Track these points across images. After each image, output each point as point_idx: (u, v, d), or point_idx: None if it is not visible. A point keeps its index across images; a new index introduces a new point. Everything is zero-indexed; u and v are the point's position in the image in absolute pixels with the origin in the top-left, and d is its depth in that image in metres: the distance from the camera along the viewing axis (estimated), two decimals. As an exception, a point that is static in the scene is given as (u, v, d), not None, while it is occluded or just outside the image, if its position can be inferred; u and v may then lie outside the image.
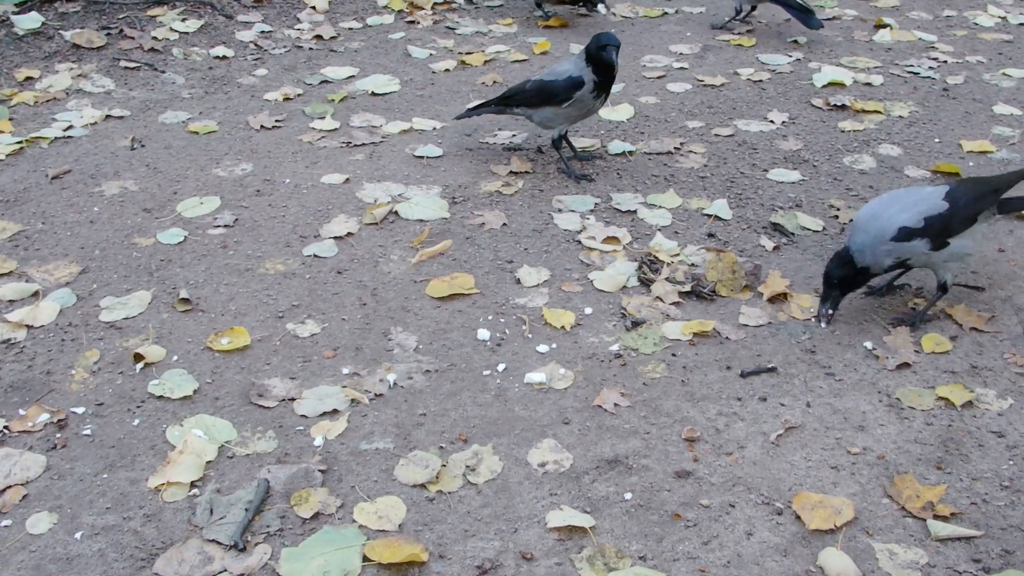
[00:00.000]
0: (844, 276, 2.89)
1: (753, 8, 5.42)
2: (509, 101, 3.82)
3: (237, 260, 3.30)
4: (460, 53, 5.12)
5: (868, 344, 2.90)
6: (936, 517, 2.29)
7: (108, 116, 4.35)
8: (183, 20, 5.33)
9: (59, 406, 2.64)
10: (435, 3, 5.74)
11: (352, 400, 2.65)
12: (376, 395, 2.68)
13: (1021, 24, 5.60)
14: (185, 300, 3.06)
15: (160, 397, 2.67)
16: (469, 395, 2.69)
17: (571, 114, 3.71)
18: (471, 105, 4.21)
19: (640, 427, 2.57)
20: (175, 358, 2.83)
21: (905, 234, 2.83)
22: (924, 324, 2.99)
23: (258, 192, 3.73)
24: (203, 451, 2.46)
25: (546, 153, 4.03)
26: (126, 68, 4.84)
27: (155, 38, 5.11)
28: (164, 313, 3.03)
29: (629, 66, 4.91)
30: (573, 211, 3.59)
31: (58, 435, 2.54)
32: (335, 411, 2.62)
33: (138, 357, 2.79)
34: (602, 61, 3.56)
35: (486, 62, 5.03)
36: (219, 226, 3.49)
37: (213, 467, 2.44)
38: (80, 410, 2.63)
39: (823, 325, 2.96)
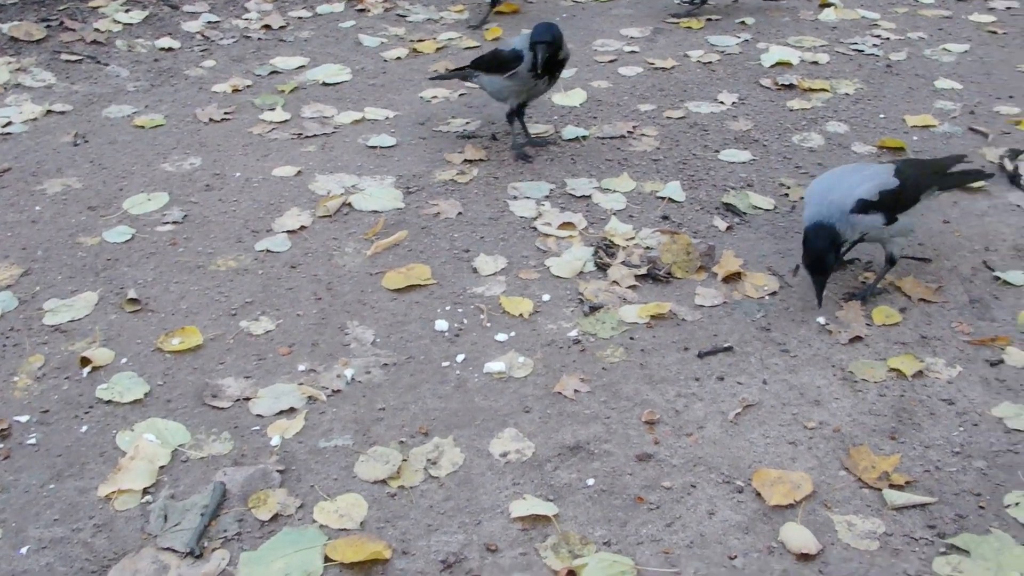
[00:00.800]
0: (831, 254, 2.84)
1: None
2: (471, 66, 3.83)
3: (187, 257, 3.21)
4: (411, 41, 5.04)
5: (821, 319, 2.91)
6: (892, 486, 2.31)
7: (49, 111, 4.22)
8: (127, 11, 5.18)
9: (1, 415, 2.54)
10: (385, -10, 5.65)
11: (309, 397, 2.59)
12: (334, 391, 2.62)
13: (959, 0, 5.64)
14: (133, 300, 2.97)
15: (109, 402, 2.58)
16: (428, 387, 2.64)
17: (514, 88, 3.68)
18: (433, 75, 4.24)
19: (600, 412, 2.55)
20: (124, 360, 2.75)
21: (863, 206, 2.84)
22: (875, 297, 3.00)
23: (208, 187, 3.64)
24: (155, 456, 2.38)
25: (500, 140, 3.98)
26: (67, 61, 4.69)
27: (97, 30, 4.96)
28: (112, 314, 2.94)
29: (580, 51, 4.88)
30: (528, 198, 3.54)
31: (0, 445, 2.45)
32: (292, 409, 2.55)
33: (85, 361, 2.70)
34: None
35: (438, 49, 4.95)
36: (168, 223, 3.40)
37: (166, 472, 2.36)
38: (24, 418, 2.54)
39: (820, 309, 2.93)
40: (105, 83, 4.51)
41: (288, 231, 3.34)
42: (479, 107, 4.24)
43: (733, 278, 3.08)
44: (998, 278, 3.10)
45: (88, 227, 3.38)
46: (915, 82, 4.53)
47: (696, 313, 2.93)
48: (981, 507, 2.26)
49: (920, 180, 2.97)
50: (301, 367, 2.71)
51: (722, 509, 2.25)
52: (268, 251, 3.24)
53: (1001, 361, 2.74)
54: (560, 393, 2.61)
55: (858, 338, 2.83)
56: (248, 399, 2.59)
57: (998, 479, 2.34)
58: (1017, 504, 2.26)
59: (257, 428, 2.50)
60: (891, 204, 2.88)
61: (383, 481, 2.33)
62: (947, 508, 2.26)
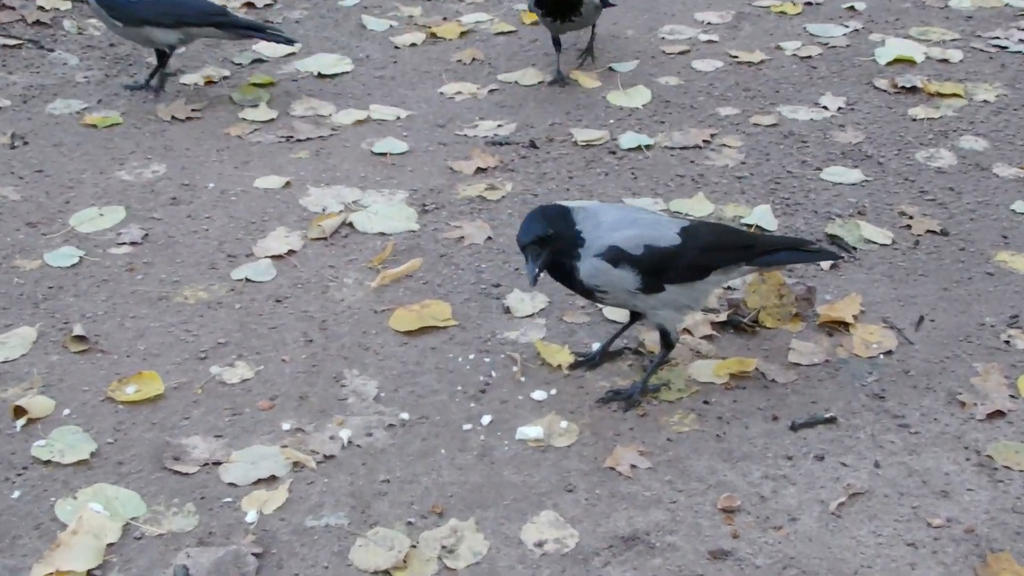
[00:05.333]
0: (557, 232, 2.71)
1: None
2: None
3: (147, 286, 3.32)
4: (429, 24, 5.18)
5: (951, 386, 2.93)
6: (1042, 607, 2.30)
7: (-20, 106, 4.39)
8: (77, -15, 5.37)
9: (-84, 475, 2.64)
10: (398, -41, 5.80)
11: (295, 464, 2.67)
12: (326, 456, 2.69)
13: None
14: (80, 338, 3.07)
15: (47, 462, 2.66)
16: (445, 455, 2.70)
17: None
18: None
19: (664, 495, 2.59)
20: (67, 412, 2.84)
21: (613, 256, 2.74)
22: (651, 395, 2.92)
23: (174, 200, 3.76)
24: (103, 530, 2.45)
25: (541, 148, 4.08)
26: (5, 47, 4.87)
27: (42, 8, 5.15)
28: (53, 355, 3.04)
29: (644, 38, 5.02)
30: (576, 221, 3.62)
31: (-86, 512, 2.54)
32: (273, 478, 2.63)
33: (19, 411, 2.79)
34: None
35: (462, 34, 5.09)
36: (124, 243, 3.52)
37: (116, 551, 2.43)
38: (-57, 480, 2.63)
39: (531, 286, 2.94)
40: (49, 73, 4.68)
41: (273, 256, 3.45)
42: (513, 106, 4.35)
43: (838, 330, 3.12)
44: None
45: (26, 248, 3.51)
46: (1075, 88, 4.59)
47: (789, 373, 2.97)
48: None
49: (715, 250, 2.82)
50: (285, 426, 2.78)
51: (820, 625, 2.28)
52: (247, 280, 3.34)
53: None
54: (613, 469, 2.65)
55: (999, 413, 2.84)
56: (218, 464, 2.66)
57: None
58: None
59: (229, 500, 2.57)
60: (655, 266, 2.74)
61: (386, 572, 2.38)
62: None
